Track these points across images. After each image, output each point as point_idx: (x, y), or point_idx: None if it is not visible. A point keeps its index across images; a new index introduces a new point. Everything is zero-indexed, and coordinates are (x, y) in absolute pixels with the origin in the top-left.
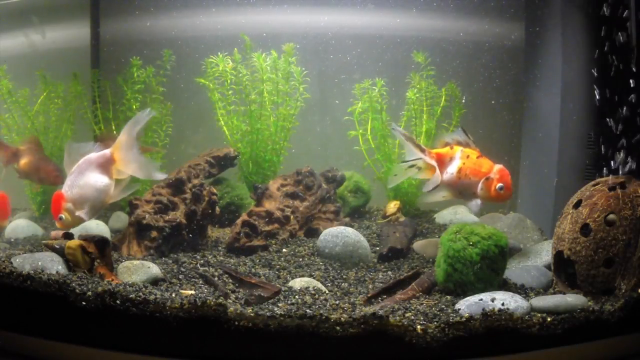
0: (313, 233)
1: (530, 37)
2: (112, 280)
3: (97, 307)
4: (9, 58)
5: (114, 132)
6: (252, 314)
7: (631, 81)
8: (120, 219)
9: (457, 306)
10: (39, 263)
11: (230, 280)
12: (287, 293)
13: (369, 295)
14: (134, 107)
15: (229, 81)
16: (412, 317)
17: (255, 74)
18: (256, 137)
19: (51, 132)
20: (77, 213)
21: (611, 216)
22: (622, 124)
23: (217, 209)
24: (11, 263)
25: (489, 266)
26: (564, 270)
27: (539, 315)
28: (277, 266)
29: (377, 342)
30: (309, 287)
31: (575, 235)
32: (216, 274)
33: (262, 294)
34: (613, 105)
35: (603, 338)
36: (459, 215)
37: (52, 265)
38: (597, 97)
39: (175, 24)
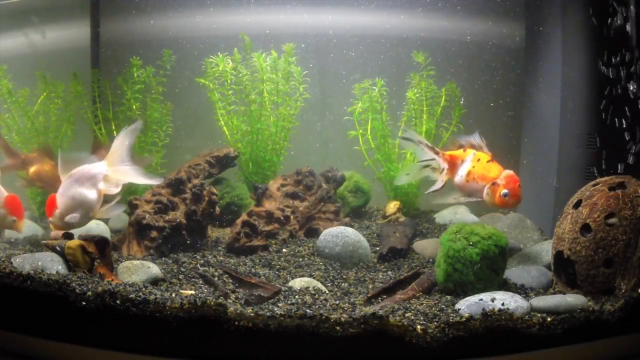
0: (313, 233)
1: (530, 37)
2: (112, 280)
3: (97, 307)
4: (9, 58)
5: (114, 132)
6: (252, 314)
7: (632, 81)
8: (120, 219)
9: (457, 306)
10: (39, 263)
11: (230, 280)
12: (287, 293)
13: (369, 295)
14: (134, 107)
15: (229, 81)
16: (412, 317)
17: (255, 74)
18: (256, 137)
19: (51, 132)
20: (66, 219)
21: (611, 216)
22: (622, 123)
23: (217, 209)
24: (11, 263)
25: (489, 266)
26: (564, 270)
27: (539, 315)
28: (277, 266)
29: (377, 342)
30: (309, 287)
31: (575, 235)
32: (216, 274)
33: (262, 294)
34: (613, 105)
35: (603, 338)
36: (459, 215)
37: (52, 265)
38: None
39: (175, 24)
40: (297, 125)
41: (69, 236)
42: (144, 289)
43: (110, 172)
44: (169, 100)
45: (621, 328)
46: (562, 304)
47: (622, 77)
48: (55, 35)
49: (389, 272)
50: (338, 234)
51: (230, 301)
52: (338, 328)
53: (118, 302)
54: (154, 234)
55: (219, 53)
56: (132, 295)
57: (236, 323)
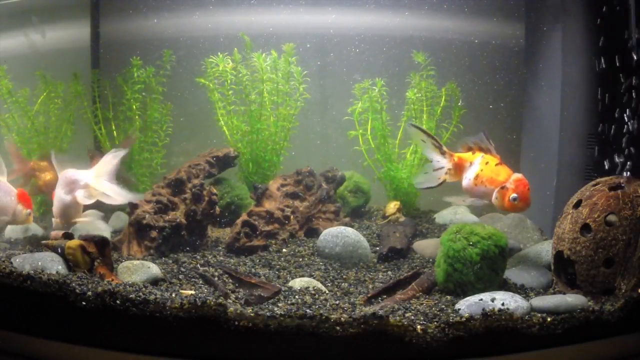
0: (313, 233)
1: (530, 37)
2: (112, 280)
3: (97, 307)
4: (9, 58)
5: (114, 132)
6: (252, 314)
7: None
8: (120, 219)
9: (457, 306)
10: (39, 263)
11: (230, 280)
12: (287, 293)
13: (369, 295)
14: (134, 107)
15: (229, 81)
16: (412, 317)
17: (255, 74)
18: (256, 137)
19: (51, 132)
20: (53, 219)
21: (611, 216)
22: (622, 123)
23: (217, 209)
24: (11, 263)
25: (489, 266)
26: (564, 270)
27: (539, 315)
28: (277, 266)
29: (377, 342)
30: (309, 287)
31: (575, 235)
32: (216, 274)
33: (262, 294)
34: (613, 104)
35: (603, 338)
36: (459, 215)
37: (52, 265)
38: (599, 96)
39: (175, 23)
40: (297, 125)
41: (69, 236)
42: (144, 289)
43: (93, 183)
44: (169, 100)
45: (621, 328)
46: (562, 304)
47: (622, 78)
48: (55, 35)
49: (389, 272)
50: (338, 234)
51: (230, 301)
52: (338, 328)
53: (118, 302)
54: (154, 234)
55: (219, 53)
56: (132, 295)
57: (236, 323)
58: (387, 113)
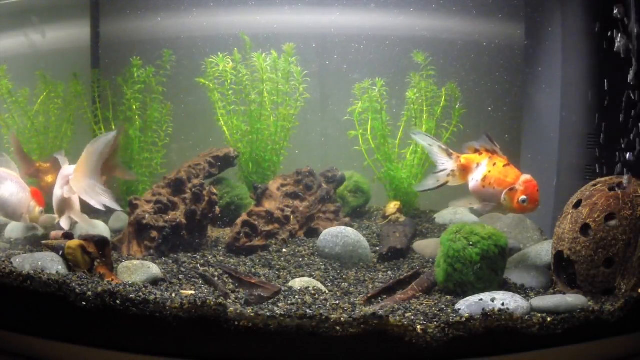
0: (313, 233)
1: (530, 37)
2: (112, 280)
3: (97, 307)
4: (9, 58)
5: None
6: (252, 314)
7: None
8: (120, 219)
9: (457, 306)
10: (39, 263)
11: (230, 280)
12: (287, 293)
13: (369, 295)
14: (134, 107)
15: (229, 81)
16: (412, 317)
17: (255, 74)
18: (256, 137)
19: (51, 132)
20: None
21: (611, 222)
22: (623, 123)
23: (217, 209)
24: (11, 263)
25: (489, 266)
26: (564, 270)
27: (539, 315)
28: (277, 266)
29: (377, 342)
30: (309, 287)
31: (575, 235)
32: (216, 274)
33: (262, 294)
34: (613, 104)
35: (603, 338)
36: (459, 215)
37: (52, 265)
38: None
39: (175, 23)
40: (297, 125)
41: (69, 236)
42: (144, 289)
43: (71, 179)
44: (169, 100)
45: (621, 328)
46: (562, 304)
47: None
48: (55, 35)
49: (389, 272)
50: (338, 234)
51: (230, 301)
52: (338, 328)
53: (118, 302)
54: (154, 234)
55: (219, 53)
56: (132, 295)
57: (236, 323)
58: (387, 113)
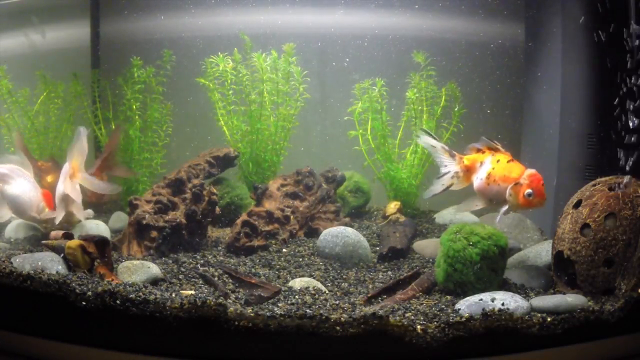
0: (313, 233)
1: (530, 37)
2: (112, 280)
3: (97, 307)
4: (9, 58)
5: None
6: (252, 314)
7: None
8: (120, 219)
9: (457, 306)
10: (39, 263)
11: (230, 280)
12: (287, 293)
13: (369, 295)
14: (134, 107)
15: (229, 81)
16: (412, 317)
17: (255, 74)
18: (256, 137)
19: (51, 132)
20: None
21: (610, 220)
22: (622, 123)
23: (217, 209)
24: (11, 263)
25: (489, 266)
26: (564, 270)
27: (539, 315)
28: (277, 266)
29: (377, 342)
30: (309, 287)
31: (575, 235)
32: (216, 274)
33: (262, 294)
34: (613, 104)
35: (603, 338)
36: (459, 215)
37: (52, 265)
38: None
39: (175, 23)
40: (297, 125)
41: (69, 236)
42: (144, 289)
43: (70, 173)
44: (169, 100)
45: (621, 328)
46: (562, 304)
47: (621, 77)
48: (55, 35)
49: (389, 272)
50: (338, 234)
51: (230, 301)
52: (338, 328)
53: (118, 302)
54: (154, 234)
55: (219, 53)
56: (132, 295)
57: (236, 323)
58: (387, 113)
